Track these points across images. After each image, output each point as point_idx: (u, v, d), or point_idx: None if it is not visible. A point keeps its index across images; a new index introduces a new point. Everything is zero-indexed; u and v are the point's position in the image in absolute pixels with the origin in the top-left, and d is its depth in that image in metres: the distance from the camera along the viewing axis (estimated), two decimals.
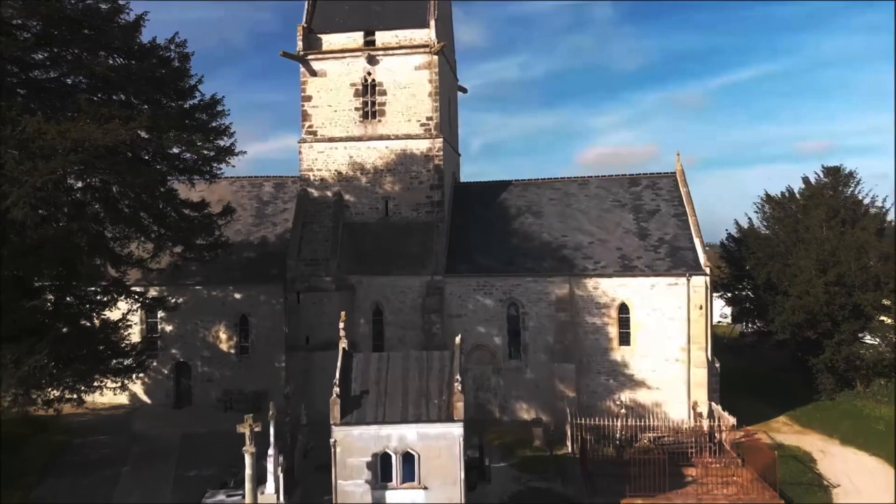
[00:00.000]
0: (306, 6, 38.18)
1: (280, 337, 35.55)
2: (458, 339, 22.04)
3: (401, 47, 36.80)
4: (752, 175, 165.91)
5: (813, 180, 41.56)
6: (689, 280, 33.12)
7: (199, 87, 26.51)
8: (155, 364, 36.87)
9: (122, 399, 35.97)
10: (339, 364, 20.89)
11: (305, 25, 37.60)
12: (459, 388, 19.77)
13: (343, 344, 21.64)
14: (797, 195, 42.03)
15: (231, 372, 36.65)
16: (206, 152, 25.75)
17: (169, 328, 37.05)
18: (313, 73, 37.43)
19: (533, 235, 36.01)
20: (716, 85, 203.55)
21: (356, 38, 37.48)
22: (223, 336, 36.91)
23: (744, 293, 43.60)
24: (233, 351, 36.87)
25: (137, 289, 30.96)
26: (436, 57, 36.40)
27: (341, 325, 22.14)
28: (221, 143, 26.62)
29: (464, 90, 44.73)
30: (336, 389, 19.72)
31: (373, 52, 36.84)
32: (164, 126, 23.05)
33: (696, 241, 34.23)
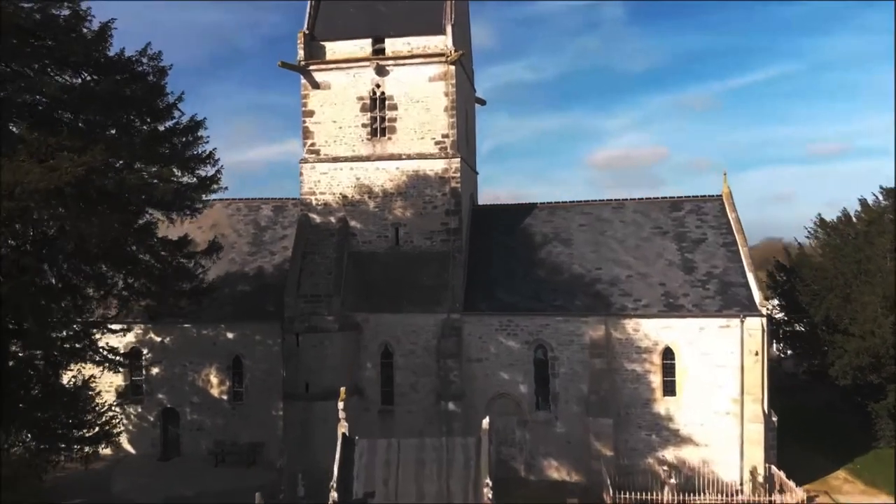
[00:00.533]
0: (308, 10, 34.27)
1: (278, 381, 31.62)
2: (485, 423, 17.96)
3: (413, 56, 32.80)
4: (762, 177, 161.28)
5: (871, 202, 37.23)
6: (742, 322, 28.93)
7: (178, 105, 22.56)
8: (140, 410, 33.10)
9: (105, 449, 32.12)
10: (337, 455, 16.84)
11: (307, 32, 33.69)
12: (490, 494, 15.68)
13: (343, 428, 17.55)
14: (854, 219, 37.70)
15: (223, 420, 32.74)
16: (184, 181, 21.83)
17: (155, 370, 33.19)
18: (316, 86, 33.52)
19: (562, 267, 31.89)
20: (726, 87, 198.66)
21: (363, 46, 33.53)
22: (214, 380, 33.03)
23: (796, 327, 39.24)
24: (225, 397, 32.97)
25: (116, 327, 27.30)
26: (452, 67, 32.37)
27: (340, 405, 18.02)
28: (203, 172, 22.72)
29: (482, 102, 40.68)
30: (334, 495, 15.67)
31: (382, 62, 32.85)
32: (129, 154, 19.13)
33: (750, 276, 30.05)
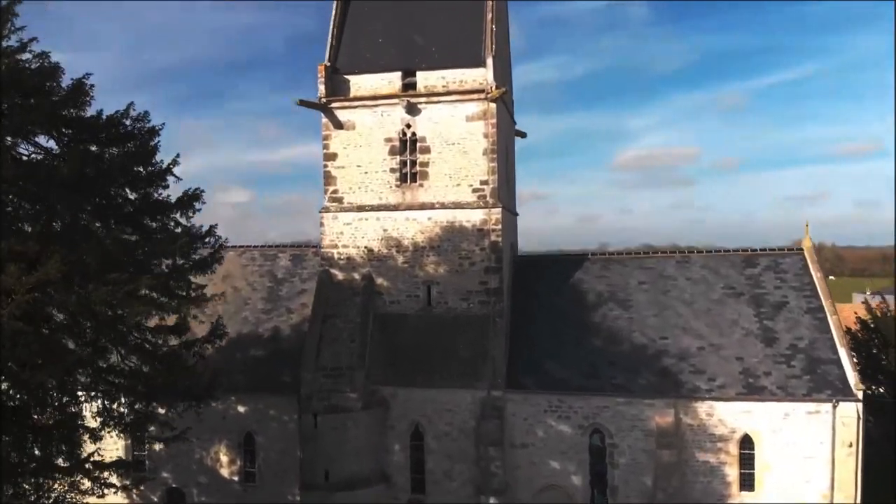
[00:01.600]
0: (330, 40, 30.54)
1: (295, 462, 27.81)
2: None
3: (449, 93, 28.91)
4: (792, 177, 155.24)
5: None
6: (835, 408, 24.51)
7: (172, 170, 18.83)
8: (142, 489, 29.48)
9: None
10: None
11: (328, 64, 29.95)
12: None
13: None
14: None
15: None
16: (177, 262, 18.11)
17: (158, 446, 29.49)
18: (339, 125, 29.79)
19: (621, 335, 27.62)
20: (756, 85, 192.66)
21: (392, 81, 29.71)
22: (224, 458, 29.29)
23: (882, 392, 34.34)
24: (236, 478, 29.17)
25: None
26: (493, 105, 28.42)
27: None
28: (197, 255, 18.96)
29: (522, 135, 36.62)
30: None
31: (413, 99, 29.02)
32: (101, 259, 15.41)
33: (842, 352, 25.60)
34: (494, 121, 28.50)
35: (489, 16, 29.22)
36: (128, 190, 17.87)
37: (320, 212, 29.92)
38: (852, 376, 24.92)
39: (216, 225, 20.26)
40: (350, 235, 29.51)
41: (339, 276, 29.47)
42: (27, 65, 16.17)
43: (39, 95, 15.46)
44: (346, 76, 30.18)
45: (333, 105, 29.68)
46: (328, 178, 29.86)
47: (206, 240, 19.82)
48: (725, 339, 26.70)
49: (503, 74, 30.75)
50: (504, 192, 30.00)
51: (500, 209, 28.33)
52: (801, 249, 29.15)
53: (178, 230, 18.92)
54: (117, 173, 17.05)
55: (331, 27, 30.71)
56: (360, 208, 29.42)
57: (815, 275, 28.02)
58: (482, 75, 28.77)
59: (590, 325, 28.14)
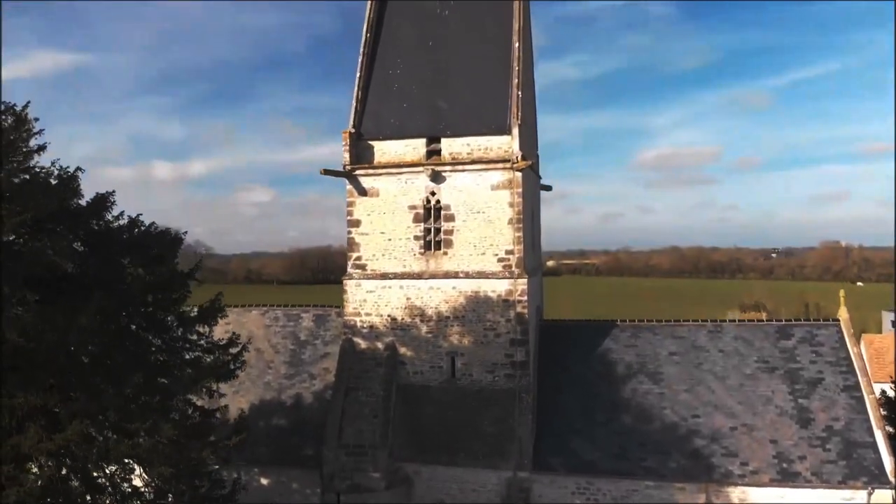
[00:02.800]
0: (354, 104, 30.38)
1: None
2: None
3: (473, 162, 28.57)
4: (814, 175, 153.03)
5: None
6: (870, 495, 23.66)
7: (195, 275, 18.54)
8: None
9: None
10: None
11: (353, 131, 29.77)
12: None
13: None
14: None
15: None
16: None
17: None
18: (363, 192, 29.56)
19: (652, 412, 26.91)
20: (780, 84, 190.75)
21: (417, 147, 29.46)
22: None
23: None
24: None
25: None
26: (519, 174, 28.01)
27: None
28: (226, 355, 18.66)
29: (548, 188, 36.20)
30: None
31: (437, 168, 28.71)
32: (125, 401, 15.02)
33: (879, 435, 24.71)
34: (520, 190, 28.09)
35: (515, 80, 28.91)
36: (152, 334, 17.54)
37: (343, 278, 29.68)
38: (888, 462, 24.03)
39: (238, 336, 20.10)
40: (373, 303, 29.19)
41: (362, 344, 29.13)
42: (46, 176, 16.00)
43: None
44: (370, 141, 30.00)
45: (358, 172, 29.50)
46: (351, 245, 29.61)
47: (230, 350, 19.52)
48: (759, 419, 25.90)
49: (529, 137, 30.41)
50: (530, 256, 29.51)
51: (525, 280, 27.84)
52: (838, 320, 28.30)
53: (201, 343, 18.63)
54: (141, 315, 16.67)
55: (355, 91, 30.57)
56: (384, 276, 29.10)
57: (852, 350, 27.15)
58: (507, 143, 28.42)
59: (619, 401, 27.46)
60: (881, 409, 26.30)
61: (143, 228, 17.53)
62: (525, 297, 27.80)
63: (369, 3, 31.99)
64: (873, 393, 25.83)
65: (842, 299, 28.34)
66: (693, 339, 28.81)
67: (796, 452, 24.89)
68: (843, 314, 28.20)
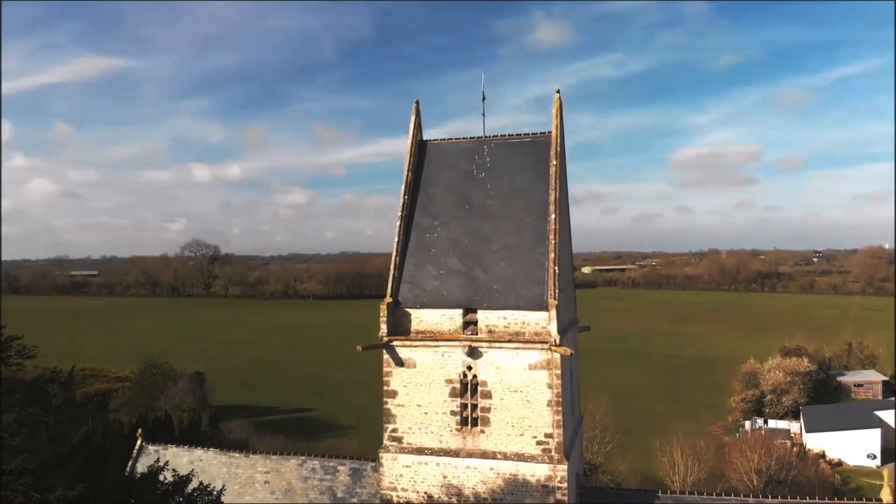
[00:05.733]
0: (392, 271, 30.36)
1: None
2: None
3: (510, 340, 28.25)
4: (858, 174, 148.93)
5: None
6: None
7: None
8: None
9: None
10: None
11: (390, 300, 29.72)
12: None
13: None
14: None
15: None
16: None
17: None
18: (399, 363, 29.49)
19: None
20: (821, 81, 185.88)
21: (453, 318, 29.26)
22: None
23: None
24: None
25: None
26: (557, 355, 27.62)
27: None
28: None
29: (585, 329, 35.71)
30: None
31: (475, 343, 28.47)
32: None
33: None
34: (559, 371, 27.70)
35: (552, 255, 28.53)
36: None
37: (380, 451, 29.63)
38: None
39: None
40: (409, 479, 29.10)
41: None
42: None
43: None
44: (406, 309, 29.91)
45: (395, 343, 29.43)
46: (388, 416, 29.56)
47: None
48: None
49: (566, 315, 29.95)
50: (568, 417, 29.01)
51: (565, 466, 27.46)
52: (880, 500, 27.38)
53: None
54: None
55: (393, 256, 30.56)
56: (420, 451, 28.98)
57: None
58: (545, 320, 28.06)
59: None
60: None
61: None
62: (565, 484, 27.43)
63: (407, 164, 32.00)
64: None
65: (885, 482, 27.43)
66: None
67: None
68: (885, 495, 27.28)
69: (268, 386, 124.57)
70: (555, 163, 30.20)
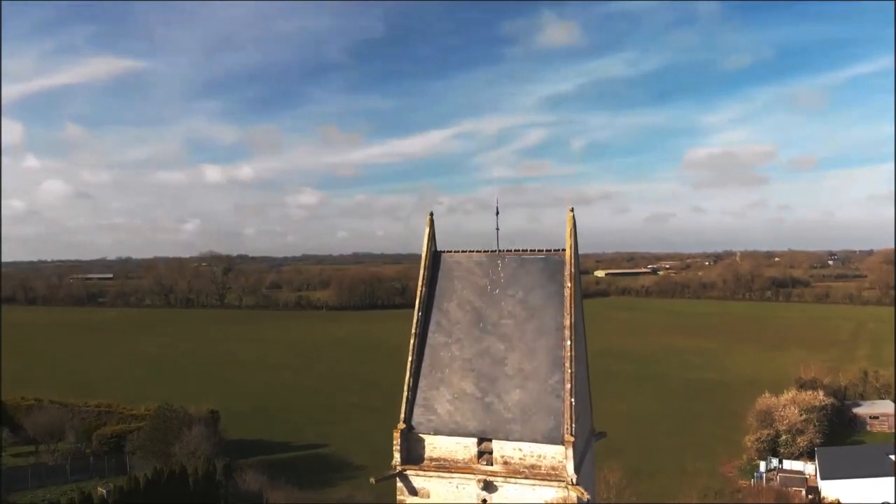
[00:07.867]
0: (406, 393, 29.98)
1: None
2: None
3: (526, 476, 27.81)
4: (872, 174, 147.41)
5: None
6: None
7: None
8: None
9: None
10: None
11: (403, 426, 29.37)
12: None
13: None
14: None
15: None
16: None
17: None
18: (413, 492, 29.11)
19: None
20: (835, 80, 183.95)
21: (468, 447, 28.85)
22: None
23: None
24: None
25: None
26: (574, 494, 27.17)
27: None
28: None
29: (602, 435, 35.21)
30: None
31: (489, 477, 28.07)
32: None
33: None
34: None
35: (567, 386, 28.08)
36: None
37: None
38: None
39: None
40: None
41: None
42: None
43: None
44: (420, 434, 29.55)
45: (408, 472, 29.08)
46: None
47: None
48: None
49: (582, 435, 29.48)
50: None
51: None
52: None
53: None
54: None
55: (406, 378, 30.20)
56: None
57: None
58: (561, 453, 27.60)
59: None
60: None
61: None
62: None
63: (421, 279, 31.68)
64: None
65: None
66: None
67: None
68: None
69: (282, 412, 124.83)
70: (569, 285, 29.74)
